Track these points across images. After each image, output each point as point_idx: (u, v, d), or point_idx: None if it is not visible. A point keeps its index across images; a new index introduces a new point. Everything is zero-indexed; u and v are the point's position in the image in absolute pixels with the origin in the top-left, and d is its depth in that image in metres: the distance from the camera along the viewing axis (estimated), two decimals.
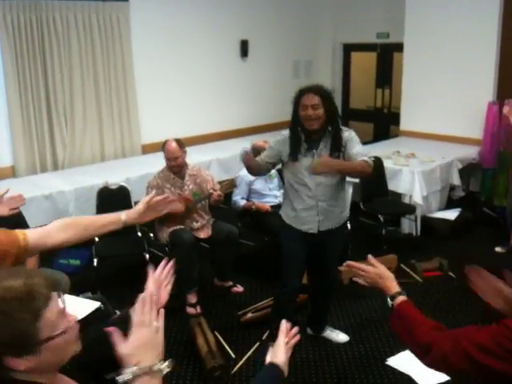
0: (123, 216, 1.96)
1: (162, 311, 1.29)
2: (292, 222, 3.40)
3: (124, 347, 1.20)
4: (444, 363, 1.54)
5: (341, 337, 3.82)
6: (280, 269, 3.52)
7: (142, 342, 1.21)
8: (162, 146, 4.37)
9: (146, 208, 1.99)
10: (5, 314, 1.11)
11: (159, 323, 1.26)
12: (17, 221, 3.37)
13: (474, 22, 6.33)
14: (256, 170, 3.45)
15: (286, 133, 3.32)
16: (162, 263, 1.65)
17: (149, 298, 1.29)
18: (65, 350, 1.22)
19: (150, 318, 1.26)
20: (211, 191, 4.18)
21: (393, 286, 1.79)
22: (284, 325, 1.77)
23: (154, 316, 1.27)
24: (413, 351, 1.68)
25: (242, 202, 4.74)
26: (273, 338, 3.55)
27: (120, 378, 1.16)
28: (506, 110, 5.60)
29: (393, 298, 1.77)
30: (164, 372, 1.20)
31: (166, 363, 1.21)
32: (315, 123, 3.18)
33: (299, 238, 3.40)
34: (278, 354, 1.68)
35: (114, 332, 1.21)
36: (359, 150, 3.24)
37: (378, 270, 1.82)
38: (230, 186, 4.77)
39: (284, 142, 3.31)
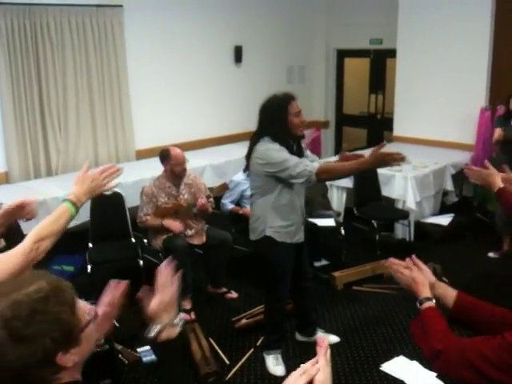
0: (69, 200, 1.89)
1: (176, 276, 1.56)
2: (284, 238, 3.31)
3: (151, 309, 1.48)
4: (450, 370, 1.59)
5: (331, 338, 3.81)
6: (270, 283, 3.50)
7: (163, 304, 1.49)
8: (162, 155, 4.34)
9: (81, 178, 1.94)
10: (46, 313, 1.14)
11: (175, 286, 1.54)
12: (12, 229, 3.35)
13: (467, 28, 6.38)
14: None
15: (274, 146, 3.15)
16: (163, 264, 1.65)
17: (166, 269, 1.56)
18: (94, 337, 1.28)
19: (171, 283, 1.53)
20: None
21: (424, 291, 1.79)
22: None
23: (173, 280, 1.54)
24: (425, 354, 1.73)
25: (230, 206, 4.78)
26: (267, 347, 3.58)
27: (148, 335, 1.45)
28: (496, 133, 5.54)
29: (421, 302, 1.78)
30: (180, 325, 1.49)
31: (181, 315, 1.49)
32: (302, 129, 3.23)
33: (290, 251, 3.39)
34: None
35: (142, 297, 1.51)
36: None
37: (413, 274, 1.84)
38: (222, 188, 4.80)
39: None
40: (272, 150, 3.13)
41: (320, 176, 3.08)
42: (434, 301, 1.78)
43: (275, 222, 3.28)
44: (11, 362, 1.10)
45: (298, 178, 3.08)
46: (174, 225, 4.24)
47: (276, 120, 3.16)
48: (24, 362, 1.11)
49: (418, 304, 1.79)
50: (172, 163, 4.27)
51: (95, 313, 1.29)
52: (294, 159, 3.10)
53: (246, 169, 3.68)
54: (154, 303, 1.49)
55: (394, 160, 2.92)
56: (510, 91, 5.69)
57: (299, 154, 3.24)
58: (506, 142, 5.10)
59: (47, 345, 1.13)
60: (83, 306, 1.26)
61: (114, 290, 1.62)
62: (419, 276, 1.84)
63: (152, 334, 1.44)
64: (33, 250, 1.74)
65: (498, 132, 5.39)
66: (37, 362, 1.13)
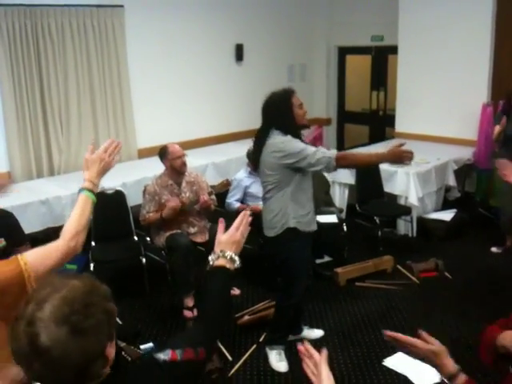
0: (86, 189, 1.91)
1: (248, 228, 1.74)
2: (304, 227, 3.36)
3: (221, 238, 1.65)
4: None
5: (316, 333, 3.89)
6: (286, 280, 3.51)
7: (232, 240, 1.65)
8: (160, 153, 4.38)
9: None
10: (97, 305, 1.17)
11: (245, 235, 1.71)
12: (12, 228, 3.37)
13: (468, 24, 6.36)
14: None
15: (287, 138, 3.22)
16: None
17: (246, 215, 1.75)
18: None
19: (243, 230, 1.70)
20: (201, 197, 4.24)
21: (449, 363, 1.62)
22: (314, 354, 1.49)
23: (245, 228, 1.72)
24: None
25: (237, 205, 4.75)
26: (271, 342, 3.59)
27: (211, 259, 1.61)
28: (496, 129, 5.49)
29: (452, 376, 1.60)
30: (237, 263, 1.62)
31: (238, 258, 1.63)
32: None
33: (309, 242, 3.45)
34: None
35: (220, 223, 1.69)
36: None
37: (431, 347, 1.64)
38: (224, 185, 4.80)
39: None
40: (288, 142, 3.19)
41: (339, 162, 3.14)
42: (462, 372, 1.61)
43: (297, 211, 3.32)
44: (74, 358, 1.11)
45: (317, 165, 3.14)
46: (170, 203, 4.20)
47: (283, 113, 3.23)
48: (86, 356, 1.12)
49: (447, 380, 1.62)
50: (170, 158, 4.29)
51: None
52: (311, 147, 3.19)
53: (255, 168, 3.68)
54: (224, 235, 1.66)
55: (409, 159, 3.09)
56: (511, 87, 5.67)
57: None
58: (506, 138, 5.08)
59: (102, 336, 1.16)
60: None
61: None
62: (439, 348, 1.65)
63: (213, 258, 1.61)
64: (71, 248, 1.78)
65: (497, 129, 5.37)
66: (95, 354, 1.14)
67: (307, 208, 3.36)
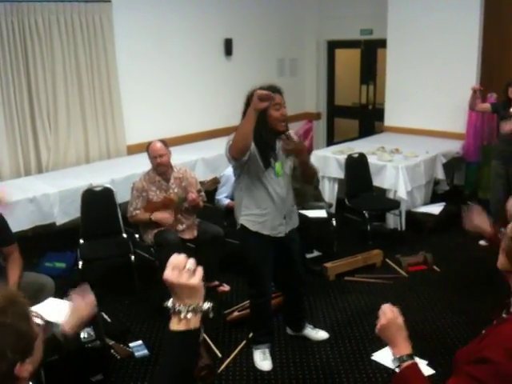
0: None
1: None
2: (259, 228, 3.24)
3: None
4: None
5: (320, 334, 3.82)
6: (249, 277, 3.49)
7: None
8: (147, 148, 4.37)
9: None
10: (6, 326, 1.14)
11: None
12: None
13: (456, 17, 6.37)
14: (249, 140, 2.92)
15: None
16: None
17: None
18: (41, 346, 1.27)
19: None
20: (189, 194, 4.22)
21: (406, 346, 1.64)
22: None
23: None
24: None
25: (226, 201, 4.74)
26: (255, 342, 3.59)
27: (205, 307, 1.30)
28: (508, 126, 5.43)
29: (401, 360, 1.62)
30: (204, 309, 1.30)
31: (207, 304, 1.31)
32: (285, 125, 3.09)
33: (267, 243, 3.29)
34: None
35: None
36: None
37: (399, 321, 1.68)
38: (213, 182, 4.79)
39: None
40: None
41: (230, 149, 2.98)
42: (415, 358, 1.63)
43: (250, 209, 3.22)
44: None
45: (226, 155, 3.05)
46: (163, 217, 4.23)
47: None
48: None
49: (394, 360, 1.63)
50: (149, 156, 4.31)
51: (42, 319, 1.29)
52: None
53: None
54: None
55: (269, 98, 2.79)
56: (500, 80, 5.68)
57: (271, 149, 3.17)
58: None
59: (9, 357, 1.13)
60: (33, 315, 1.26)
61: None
62: (402, 325, 1.68)
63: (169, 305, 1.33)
64: None
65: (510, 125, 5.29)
66: (0, 374, 1.12)
67: (264, 208, 3.20)
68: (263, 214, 3.22)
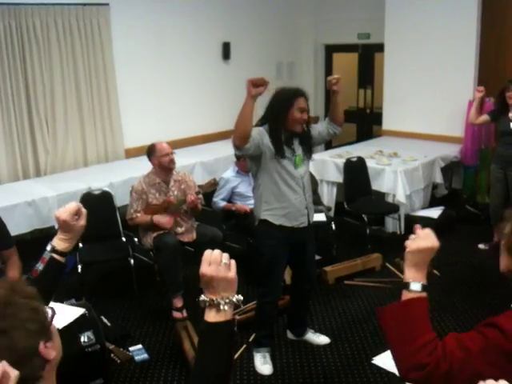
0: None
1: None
2: (282, 221, 3.30)
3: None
4: (444, 380, 1.38)
5: (322, 339, 3.81)
6: (260, 276, 3.49)
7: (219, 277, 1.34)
8: (148, 151, 4.35)
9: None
10: (17, 304, 1.11)
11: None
12: None
13: (454, 21, 6.40)
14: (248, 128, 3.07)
15: (262, 128, 3.23)
16: None
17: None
18: (59, 339, 1.22)
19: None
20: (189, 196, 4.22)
21: (422, 273, 1.54)
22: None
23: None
24: (399, 362, 1.46)
25: (222, 204, 4.76)
26: (257, 344, 3.59)
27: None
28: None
29: (408, 286, 1.50)
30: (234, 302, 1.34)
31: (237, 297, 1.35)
32: (302, 127, 3.28)
33: (283, 241, 3.33)
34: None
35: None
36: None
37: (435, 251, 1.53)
38: (211, 185, 4.78)
39: (263, 134, 3.21)
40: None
41: (233, 139, 3.13)
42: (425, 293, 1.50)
43: (271, 203, 3.29)
44: (2, 358, 1.05)
45: (233, 147, 3.20)
46: (164, 221, 4.23)
47: (277, 110, 3.20)
48: (14, 356, 1.06)
49: (406, 287, 1.51)
50: (158, 155, 4.27)
51: (53, 311, 1.28)
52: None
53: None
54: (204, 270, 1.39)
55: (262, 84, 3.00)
56: (497, 84, 5.69)
57: (288, 147, 3.28)
58: (502, 135, 5.10)
59: (30, 328, 1.10)
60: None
61: None
62: (433, 247, 1.55)
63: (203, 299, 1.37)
64: None
65: (480, 118, 5.37)
66: (26, 353, 1.09)
67: (285, 200, 3.27)
68: (285, 206, 3.29)
